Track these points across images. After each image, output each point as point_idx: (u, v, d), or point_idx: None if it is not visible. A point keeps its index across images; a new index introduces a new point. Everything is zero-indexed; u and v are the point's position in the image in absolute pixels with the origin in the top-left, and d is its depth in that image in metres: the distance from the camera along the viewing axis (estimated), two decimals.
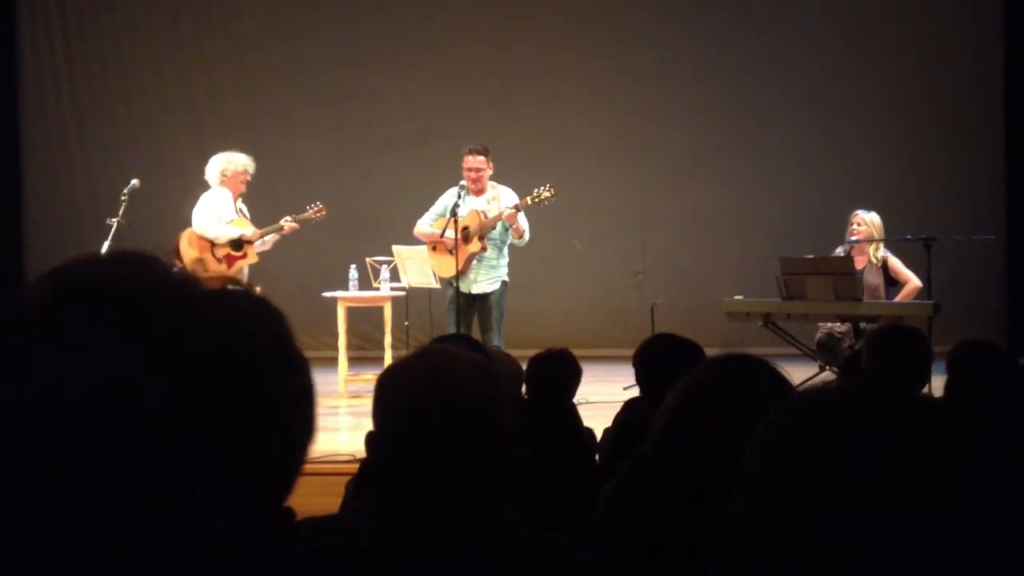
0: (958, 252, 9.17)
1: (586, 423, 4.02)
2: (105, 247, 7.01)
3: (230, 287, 0.73)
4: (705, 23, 10.80)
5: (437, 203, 7.65)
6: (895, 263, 7.66)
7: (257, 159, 7.93)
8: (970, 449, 0.70)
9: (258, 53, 11.07)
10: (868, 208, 7.76)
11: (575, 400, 3.91)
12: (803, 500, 0.71)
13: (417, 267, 7.73)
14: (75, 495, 0.62)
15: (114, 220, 7.50)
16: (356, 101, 10.92)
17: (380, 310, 8.29)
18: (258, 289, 0.80)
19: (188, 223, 7.72)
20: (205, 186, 7.76)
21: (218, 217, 7.58)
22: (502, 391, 1.66)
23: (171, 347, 0.65)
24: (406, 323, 8.08)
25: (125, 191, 7.68)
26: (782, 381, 1.86)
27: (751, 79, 10.69)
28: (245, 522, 0.67)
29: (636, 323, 9.54)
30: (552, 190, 7.37)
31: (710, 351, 2.78)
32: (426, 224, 7.62)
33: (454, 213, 7.33)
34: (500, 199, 7.43)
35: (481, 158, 7.46)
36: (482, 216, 7.38)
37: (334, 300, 8.24)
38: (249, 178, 7.72)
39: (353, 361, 8.39)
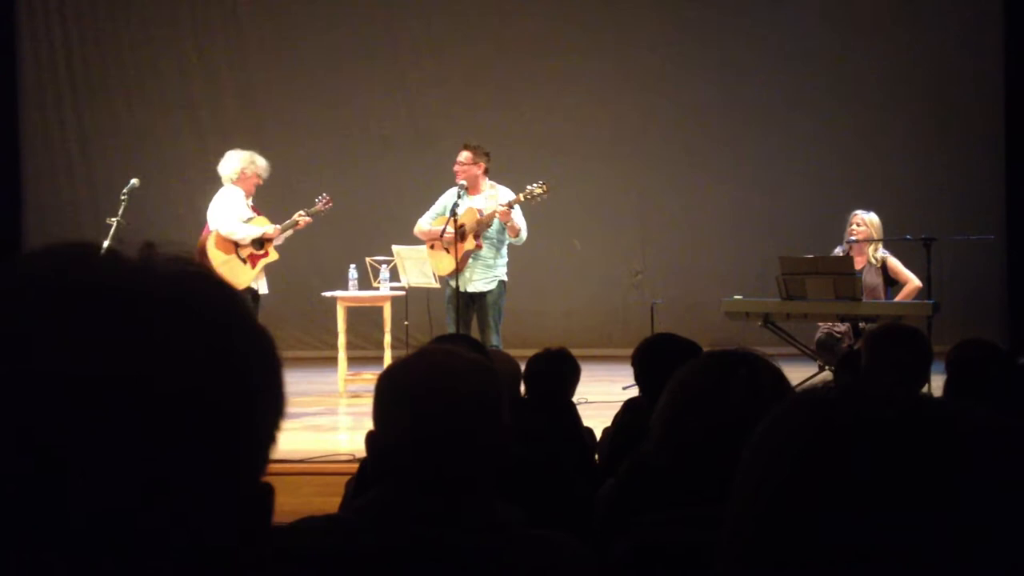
0: (958, 252, 9.18)
1: (586, 423, 4.03)
2: (104, 247, 6.97)
3: (187, 268, 0.68)
4: (704, 24, 10.80)
5: (437, 202, 7.65)
6: (894, 263, 7.66)
7: None
8: (969, 449, 0.70)
9: (258, 54, 11.07)
10: (867, 208, 7.76)
11: (574, 399, 3.91)
12: (802, 500, 0.71)
13: (417, 267, 7.73)
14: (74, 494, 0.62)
15: (114, 220, 7.48)
16: (356, 101, 10.92)
17: (380, 310, 8.28)
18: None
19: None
20: (211, 181, 7.62)
21: (237, 217, 7.48)
22: (502, 391, 1.66)
23: (143, 344, 0.64)
24: (406, 323, 8.07)
25: (125, 191, 7.65)
26: (778, 376, 1.86)
27: (750, 79, 10.69)
28: (236, 516, 0.67)
29: (635, 323, 9.55)
30: (545, 187, 7.35)
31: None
32: (426, 223, 7.62)
33: (453, 212, 7.32)
34: (498, 198, 7.42)
35: (467, 154, 7.43)
36: (478, 214, 7.38)
37: (334, 300, 8.24)
38: (261, 183, 7.60)
39: (353, 361, 8.38)
